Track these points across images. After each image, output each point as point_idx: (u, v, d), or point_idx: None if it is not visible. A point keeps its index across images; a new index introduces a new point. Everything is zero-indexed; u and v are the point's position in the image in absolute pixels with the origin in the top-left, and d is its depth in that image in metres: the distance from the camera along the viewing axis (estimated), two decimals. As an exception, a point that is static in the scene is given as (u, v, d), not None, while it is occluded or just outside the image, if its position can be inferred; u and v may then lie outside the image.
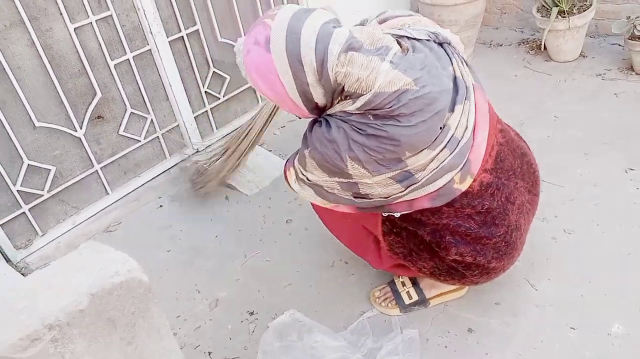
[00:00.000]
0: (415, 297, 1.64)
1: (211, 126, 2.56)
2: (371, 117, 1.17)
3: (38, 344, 0.82)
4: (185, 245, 2.07)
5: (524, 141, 1.55)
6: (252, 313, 1.75)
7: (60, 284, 0.89)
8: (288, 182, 1.44)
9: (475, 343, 1.54)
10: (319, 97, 1.21)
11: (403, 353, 1.48)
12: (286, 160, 1.46)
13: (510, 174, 1.40)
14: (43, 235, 2.11)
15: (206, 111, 2.52)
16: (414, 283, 1.66)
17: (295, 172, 1.36)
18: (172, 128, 2.41)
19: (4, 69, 1.86)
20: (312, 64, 1.15)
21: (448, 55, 1.27)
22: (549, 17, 2.72)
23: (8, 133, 1.92)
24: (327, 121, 1.24)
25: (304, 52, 1.15)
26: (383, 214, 1.36)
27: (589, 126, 2.35)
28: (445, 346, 1.55)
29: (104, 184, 2.25)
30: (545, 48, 2.89)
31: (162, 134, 2.38)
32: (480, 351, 1.52)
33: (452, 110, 1.22)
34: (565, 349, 1.49)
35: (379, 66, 1.15)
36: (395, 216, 1.34)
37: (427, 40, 1.26)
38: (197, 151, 2.45)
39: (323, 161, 1.22)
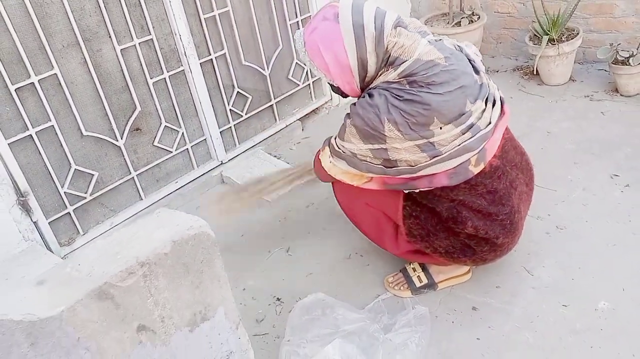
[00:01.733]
0: (425, 281, 1.85)
1: (234, 140, 2.81)
2: (407, 85, 1.44)
3: (133, 277, 1.04)
4: (213, 243, 2.28)
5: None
6: (278, 299, 1.95)
7: (146, 235, 1.11)
8: (321, 165, 1.67)
9: (479, 319, 1.74)
10: (372, 66, 1.49)
11: (415, 326, 1.68)
12: (320, 149, 1.71)
13: (513, 165, 1.65)
14: (84, 234, 2.32)
15: (230, 127, 2.77)
16: (424, 268, 1.87)
17: (331, 147, 1.61)
18: (200, 141, 2.66)
19: (60, 84, 2.12)
20: (372, 32, 1.45)
21: (471, 63, 1.54)
22: (540, 45, 3.00)
23: (60, 140, 2.16)
24: (369, 93, 1.50)
25: (366, 23, 1.45)
26: (405, 191, 1.58)
27: (578, 139, 2.60)
28: (452, 322, 1.75)
29: (138, 190, 2.48)
30: (537, 73, 3.16)
31: (191, 147, 2.63)
32: (483, 325, 1.72)
33: (474, 102, 1.48)
34: (557, 322, 1.69)
35: (420, 40, 1.46)
36: (416, 191, 1.56)
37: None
38: (222, 163, 2.69)
39: (364, 124, 1.46)
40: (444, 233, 1.63)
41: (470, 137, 1.48)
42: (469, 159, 1.50)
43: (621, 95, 2.90)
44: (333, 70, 1.53)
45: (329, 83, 1.62)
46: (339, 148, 1.58)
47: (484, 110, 1.51)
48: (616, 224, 2.04)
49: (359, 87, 1.56)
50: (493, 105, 1.56)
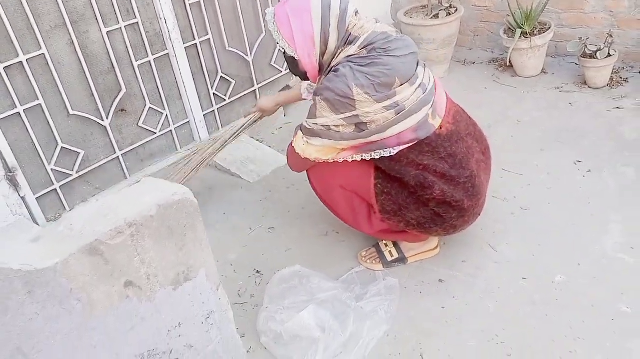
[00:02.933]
0: (396, 255, 1.97)
1: (217, 123, 2.89)
2: (367, 53, 1.61)
3: (121, 236, 1.13)
4: (196, 221, 2.37)
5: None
6: (257, 271, 2.05)
7: (134, 200, 1.20)
8: (295, 152, 1.78)
9: (445, 290, 1.87)
10: (332, 42, 1.65)
11: (385, 295, 1.80)
12: (291, 142, 1.84)
13: (467, 133, 1.79)
14: (70, 211, 2.40)
15: (213, 110, 2.85)
16: (395, 244, 1.99)
17: (304, 129, 1.72)
18: (183, 124, 2.74)
19: (48, 64, 2.19)
20: (337, 11, 1.63)
21: None
22: (514, 38, 3.13)
23: (47, 119, 2.23)
24: (334, 69, 1.64)
25: (333, 3, 1.66)
26: (376, 157, 1.69)
27: (547, 128, 2.74)
28: (420, 292, 1.87)
29: (123, 169, 2.56)
30: (511, 65, 3.29)
31: (175, 128, 2.70)
32: (448, 295, 1.84)
33: (419, 66, 1.71)
34: (517, 294, 1.82)
35: (374, 22, 1.68)
36: (387, 154, 1.67)
37: None
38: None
39: (334, 95, 1.59)
40: (414, 205, 1.75)
41: (423, 93, 1.67)
42: (427, 112, 1.68)
43: (589, 87, 3.05)
44: (297, 39, 1.66)
45: (288, 58, 1.76)
46: (311, 126, 1.69)
47: (423, 73, 1.73)
48: (576, 206, 2.17)
49: (317, 61, 1.70)
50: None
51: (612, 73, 3.03)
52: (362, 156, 1.72)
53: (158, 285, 1.23)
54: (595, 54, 2.93)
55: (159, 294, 1.24)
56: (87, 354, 1.14)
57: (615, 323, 1.68)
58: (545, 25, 3.20)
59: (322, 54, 1.70)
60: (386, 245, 1.99)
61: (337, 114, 1.63)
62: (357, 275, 1.93)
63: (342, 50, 1.68)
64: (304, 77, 1.78)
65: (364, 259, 2.00)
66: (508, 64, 3.27)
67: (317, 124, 1.68)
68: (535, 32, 3.15)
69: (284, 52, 1.74)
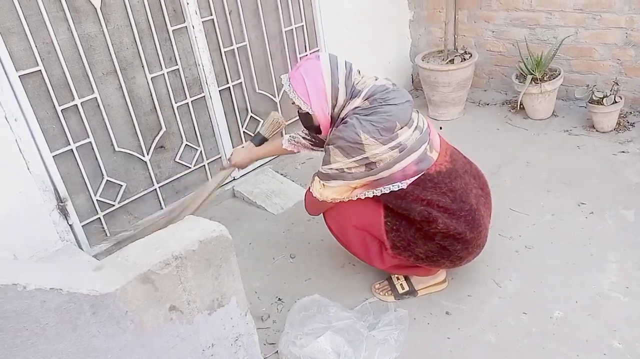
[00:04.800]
0: (406, 288, 2.15)
1: (246, 159, 3.13)
2: (370, 104, 1.87)
3: (169, 267, 1.35)
4: (225, 250, 2.59)
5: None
6: (279, 299, 2.25)
7: (179, 235, 1.42)
8: (312, 197, 1.99)
9: (451, 322, 2.03)
10: (341, 96, 1.90)
11: (395, 325, 1.97)
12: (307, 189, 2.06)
13: (464, 170, 2.00)
14: (111, 237, 2.64)
15: (243, 146, 3.09)
16: (406, 278, 2.17)
17: (320, 175, 1.94)
18: (216, 159, 2.98)
19: (99, 106, 2.46)
20: (343, 69, 1.90)
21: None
22: (525, 83, 3.32)
23: (95, 154, 2.49)
24: (343, 121, 1.88)
25: (340, 63, 1.94)
26: (386, 192, 1.89)
27: (554, 170, 2.90)
28: (428, 323, 2.04)
29: (159, 200, 2.80)
30: (523, 108, 3.48)
31: (207, 163, 2.95)
32: (454, 327, 2.01)
33: (414, 112, 1.95)
34: (517, 327, 1.98)
35: (374, 78, 1.94)
36: (396, 189, 1.87)
37: None
38: (234, 179, 3.01)
39: (345, 142, 1.82)
40: (421, 240, 1.94)
41: (420, 134, 1.91)
42: (425, 148, 1.90)
43: (597, 131, 3.21)
44: (312, 96, 1.90)
45: (302, 115, 1.99)
46: (326, 171, 1.91)
47: (417, 117, 1.96)
48: (577, 246, 2.33)
49: (329, 114, 1.94)
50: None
51: (619, 118, 3.19)
52: (373, 192, 1.93)
53: (196, 310, 1.44)
54: (602, 101, 3.10)
55: (197, 317, 1.45)
56: (137, 367, 1.35)
57: (607, 357, 1.82)
58: (555, 71, 3.39)
59: (333, 107, 1.94)
60: (398, 278, 2.18)
61: (349, 158, 1.85)
62: (370, 305, 2.11)
63: (349, 103, 1.92)
64: (317, 130, 2.00)
65: (377, 290, 2.18)
66: (519, 107, 3.45)
67: (332, 168, 1.90)
68: (545, 78, 3.34)
69: (298, 110, 1.98)
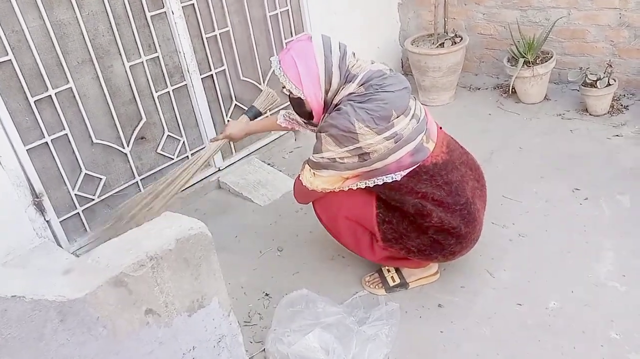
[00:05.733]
0: (397, 280, 2.08)
1: (231, 149, 3.04)
2: (365, 90, 1.76)
3: (143, 269, 1.26)
4: (210, 244, 2.51)
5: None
6: (266, 294, 2.17)
7: (155, 234, 1.33)
8: (301, 185, 1.91)
9: (443, 315, 1.97)
10: (335, 80, 1.80)
11: (386, 320, 1.90)
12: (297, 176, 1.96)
13: (461, 161, 1.91)
14: (91, 232, 2.55)
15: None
16: (397, 270, 2.10)
17: (311, 163, 1.84)
18: (199, 149, 2.88)
19: (74, 96, 2.35)
20: (337, 52, 1.79)
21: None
22: (517, 66, 3.24)
23: (72, 147, 2.39)
24: (337, 108, 1.78)
25: (333, 46, 1.82)
26: (379, 182, 1.80)
27: (547, 155, 2.83)
28: (420, 317, 1.98)
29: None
30: (515, 92, 3.40)
31: (191, 154, 2.85)
32: (446, 320, 1.94)
33: (411, 100, 1.85)
34: (512, 319, 1.91)
35: (370, 62, 1.83)
36: (389, 180, 1.78)
37: None
38: (219, 169, 2.92)
39: (337, 130, 1.72)
40: (414, 233, 1.86)
41: (417, 123, 1.81)
42: (422, 138, 1.81)
43: (590, 114, 3.14)
44: (304, 80, 1.80)
45: (293, 100, 1.89)
46: (317, 160, 1.82)
47: (415, 105, 1.87)
48: (572, 234, 2.27)
49: (322, 100, 1.84)
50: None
51: (612, 101, 3.12)
52: (365, 183, 1.84)
53: (175, 312, 1.36)
54: (595, 83, 3.03)
55: (176, 320, 1.37)
56: (111, 375, 1.27)
57: (605, 348, 1.77)
58: (548, 54, 3.31)
59: (326, 92, 1.84)
60: (388, 271, 2.11)
61: (341, 147, 1.76)
62: (360, 299, 2.04)
63: (343, 88, 1.82)
64: (309, 116, 1.91)
65: (367, 283, 2.11)
66: (511, 91, 3.38)
67: (323, 157, 1.81)
68: (537, 61, 3.26)
69: (289, 95, 1.88)
